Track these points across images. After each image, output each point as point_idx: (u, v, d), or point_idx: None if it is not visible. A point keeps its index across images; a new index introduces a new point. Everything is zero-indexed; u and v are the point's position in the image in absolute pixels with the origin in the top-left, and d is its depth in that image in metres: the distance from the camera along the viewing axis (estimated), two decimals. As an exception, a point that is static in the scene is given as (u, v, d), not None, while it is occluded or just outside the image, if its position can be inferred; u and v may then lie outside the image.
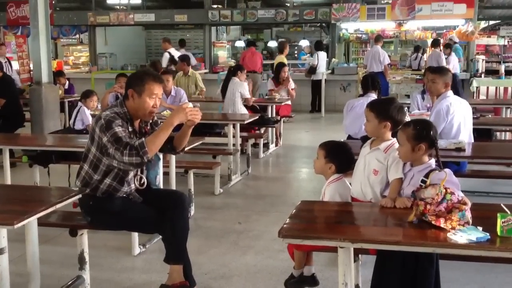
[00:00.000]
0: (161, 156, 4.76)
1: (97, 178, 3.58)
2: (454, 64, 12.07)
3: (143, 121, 3.73)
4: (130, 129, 3.56)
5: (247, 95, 8.39)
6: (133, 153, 3.33)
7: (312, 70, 13.41)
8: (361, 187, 3.44)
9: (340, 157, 3.57)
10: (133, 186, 3.71)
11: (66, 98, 10.03)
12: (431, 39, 14.26)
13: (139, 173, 3.73)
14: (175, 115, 3.48)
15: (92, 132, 3.56)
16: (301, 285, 3.59)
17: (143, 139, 3.41)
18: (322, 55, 13.63)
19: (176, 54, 12.49)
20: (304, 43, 17.19)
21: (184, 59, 10.01)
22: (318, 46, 14.00)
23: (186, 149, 4.97)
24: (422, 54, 14.50)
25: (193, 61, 13.32)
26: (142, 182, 3.76)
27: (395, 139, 3.40)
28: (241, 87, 8.34)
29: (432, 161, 3.20)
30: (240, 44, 17.76)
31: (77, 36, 18.55)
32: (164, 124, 3.49)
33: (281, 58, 11.96)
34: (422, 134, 3.15)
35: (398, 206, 3.02)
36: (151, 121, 3.78)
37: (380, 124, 3.40)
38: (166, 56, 12.38)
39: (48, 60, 8.50)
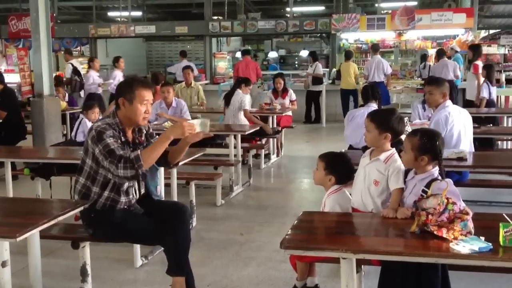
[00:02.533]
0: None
1: (96, 191, 3.57)
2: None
3: (136, 131, 3.73)
4: (123, 140, 3.56)
5: (246, 106, 8.33)
6: (127, 166, 3.33)
7: (319, 80, 13.34)
8: (362, 198, 3.44)
9: (340, 169, 3.58)
10: (131, 196, 3.70)
11: (67, 110, 10.07)
12: (433, 49, 14.26)
13: (136, 183, 3.73)
14: (173, 130, 3.49)
15: (86, 144, 3.57)
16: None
17: (139, 151, 3.41)
18: (320, 65, 13.68)
19: (79, 65, 12.83)
20: (304, 53, 17.23)
21: (188, 67, 10.05)
22: (316, 56, 14.02)
23: (187, 160, 5.01)
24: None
25: (195, 71, 13.36)
26: (139, 191, 3.76)
27: (394, 149, 3.42)
28: (242, 98, 8.33)
29: (435, 170, 3.19)
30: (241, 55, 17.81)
31: (78, 48, 18.62)
32: (161, 138, 3.48)
33: (348, 64, 12.92)
34: (426, 147, 3.15)
35: (400, 217, 3.02)
36: (145, 131, 3.79)
37: (381, 135, 3.40)
38: (69, 67, 12.58)
39: (49, 73, 8.53)
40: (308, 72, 13.42)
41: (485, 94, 8.93)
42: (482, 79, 9.20)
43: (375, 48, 12.93)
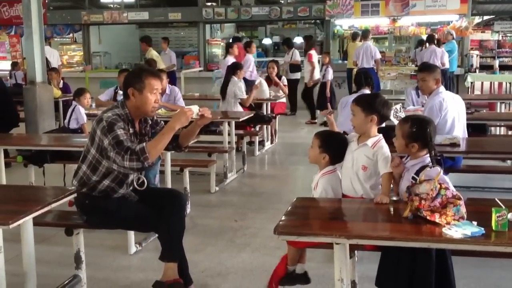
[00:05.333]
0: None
1: (96, 179, 3.57)
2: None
3: (142, 122, 3.72)
4: (131, 131, 3.55)
5: (241, 95, 8.20)
6: (133, 158, 3.31)
7: (298, 68, 12.60)
8: (351, 183, 3.45)
9: (334, 147, 3.56)
10: (131, 187, 3.70)
11: (62, 97, 10.00)
12: (426, 35, 14.22)
13: (137, 173, 3.72)
14: (177, 119, 3.45)
15: (92, 133, 3.53)
16: (293, 283, 3.58)
17: (144, 144, 3.38)
18: (298, 52, 13.05)
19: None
20: (298, 39, 17.10)
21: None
22: (290, 43, 13.23)
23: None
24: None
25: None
26: (140, 182, 3.75)
27: (381, 135, 3.44)
28: (235, 86, 8.18)
29: (427, 157, 3.21)
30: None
31: (71, 35, 18.49)
32: (166, 129, 3.47)
33: (355, 44, 12.89)
34: (416, 134, 3.19)
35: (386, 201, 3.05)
36: (150, 121, 3.78)
37: (367, 118, 3.42)
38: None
39: (42, 60, 8.46)
40: (286, 60, 12.59)
41: (329, 77, 11.12)
42: (317, 64, 11.58)
43: (365, 34, 12.84)
